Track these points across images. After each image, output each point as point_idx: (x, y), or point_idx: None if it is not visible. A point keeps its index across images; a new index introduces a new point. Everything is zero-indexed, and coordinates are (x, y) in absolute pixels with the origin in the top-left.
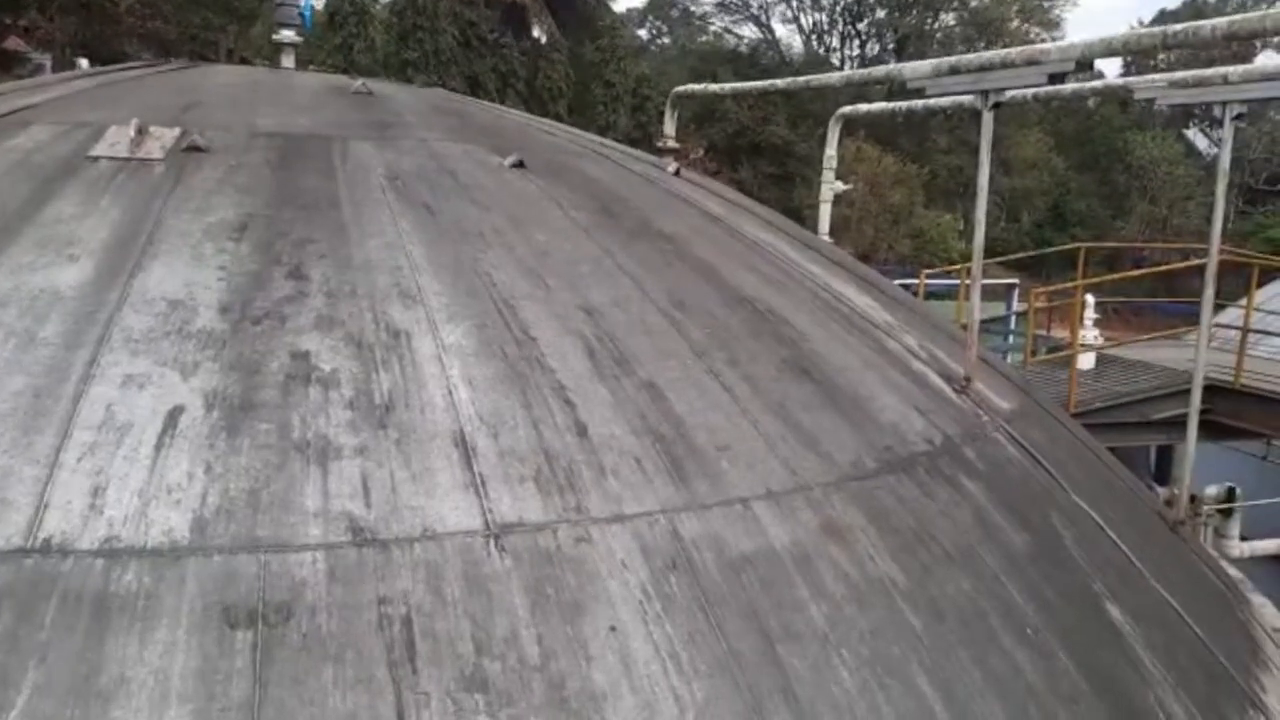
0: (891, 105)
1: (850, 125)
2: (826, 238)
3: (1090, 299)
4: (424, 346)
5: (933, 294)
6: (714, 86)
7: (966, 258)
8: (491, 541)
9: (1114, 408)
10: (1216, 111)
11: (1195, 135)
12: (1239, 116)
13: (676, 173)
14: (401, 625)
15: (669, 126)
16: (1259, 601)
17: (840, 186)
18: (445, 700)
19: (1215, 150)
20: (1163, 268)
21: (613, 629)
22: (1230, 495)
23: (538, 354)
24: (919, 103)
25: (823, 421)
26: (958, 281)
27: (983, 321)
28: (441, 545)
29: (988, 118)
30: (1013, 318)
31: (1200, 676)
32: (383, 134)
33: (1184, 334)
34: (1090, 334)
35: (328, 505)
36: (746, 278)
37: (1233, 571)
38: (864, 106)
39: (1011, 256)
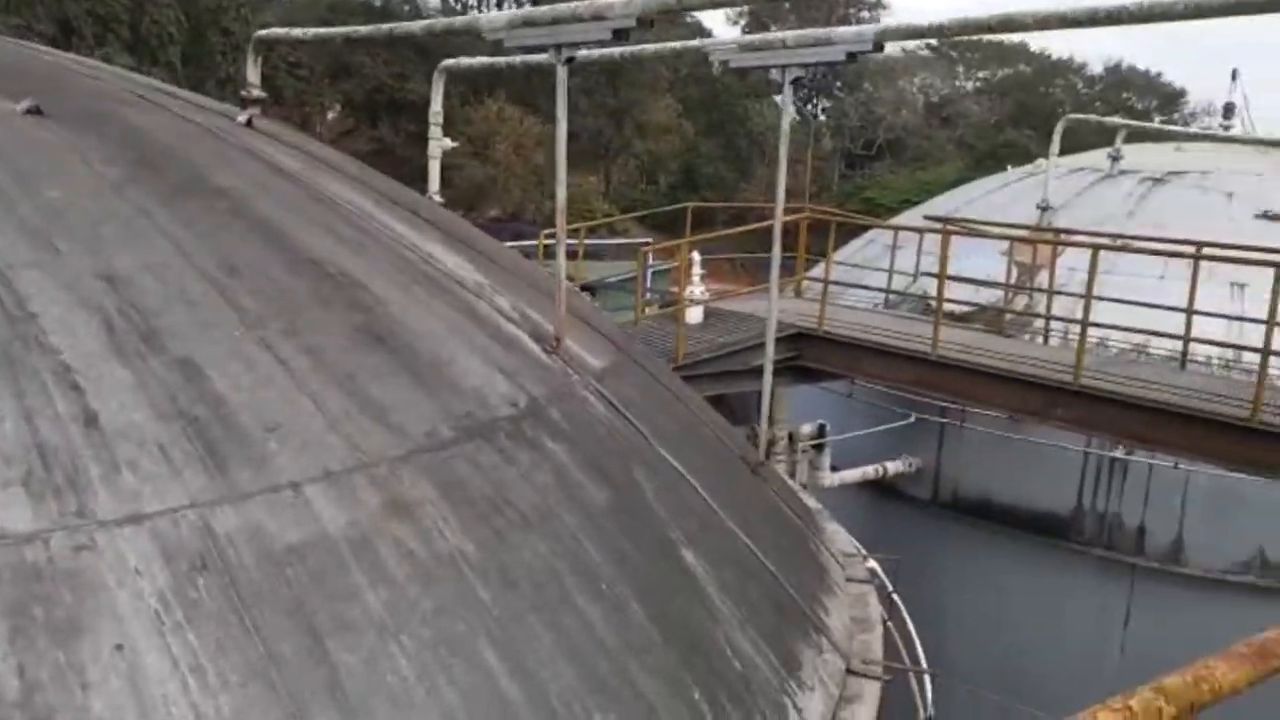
0: (492, 60)
1: (491, 87)
2: (436, 196)
3: (696, 256)
4: None
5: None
6: (297, 31)
7: (609, 217)
8: None
9: (720, 357)
10: (775, 74)
11: (816, 104)
12: (796, 80)
13: (248, 123)
14: None
15: (252, 74)
16: (832, 529)
17: (448, 143)
18: None
19: (824, 117)
20: (756, 225)
21: (119, 648)
22: (821, 432)
23: (37, 332)
24: (518, 59)
25: (396, 392)
26: (594, 241)
27: (621, 280)
28: None
29: (562, 73)
30: (650, 275)
31: (769, 609)
32: None
33: (781, 286)
34: (697, 289)
35: None
36: (318, 238)
37: (811, 503)
38: (466, 60)
39: (624, 216)
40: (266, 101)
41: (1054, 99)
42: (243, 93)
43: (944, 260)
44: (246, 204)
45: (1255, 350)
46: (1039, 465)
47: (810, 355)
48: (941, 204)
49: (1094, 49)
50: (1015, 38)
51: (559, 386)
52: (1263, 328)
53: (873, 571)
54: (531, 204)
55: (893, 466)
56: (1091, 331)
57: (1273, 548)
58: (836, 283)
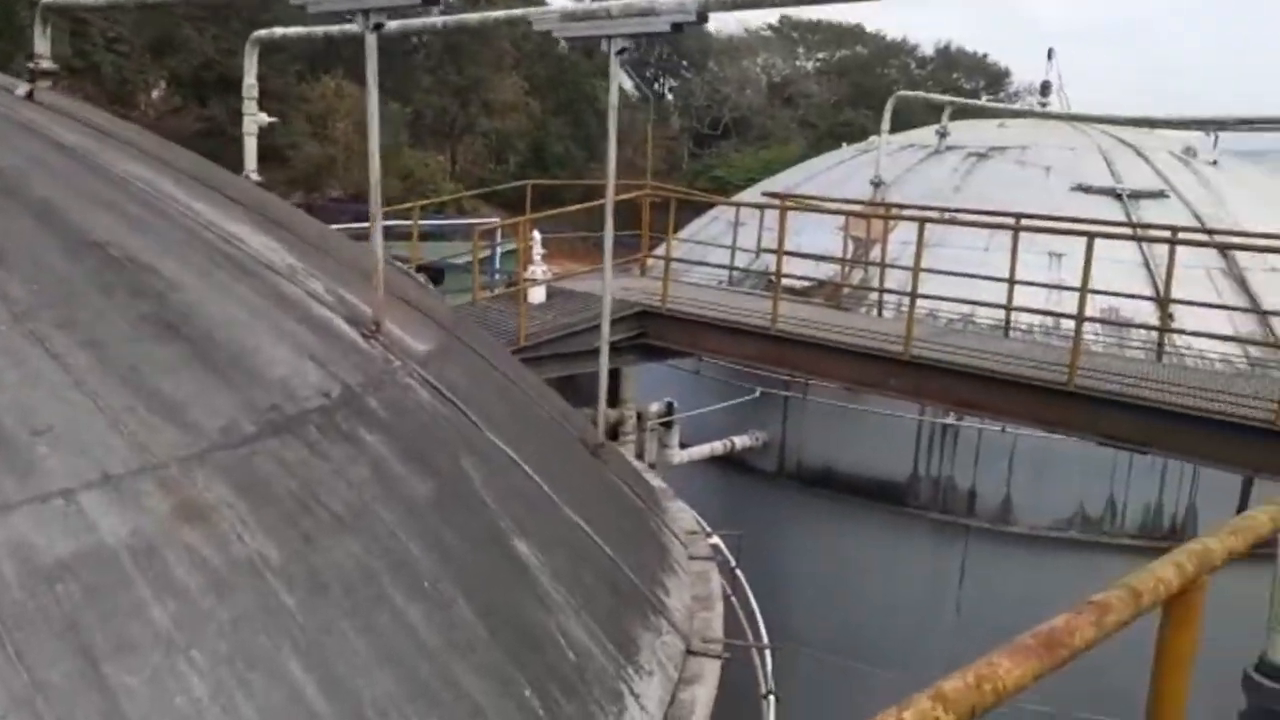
0: (308, 30)
1: (325, 62)
2: (253, 175)
3: (537, 235)
4: None
5: (426, 235)
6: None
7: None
8: None
9: (563, 338)
10: (603, 46)
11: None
12: (622, 51)
13: (29, 96)
14: None
15: (41, 44)
16: (676, 508)
17: (264, 119)
18: None
19: (671, 97)
20: (594, 204)
21: None
22: (669, 410)
23: None
24: (336, 29)
25: (189, 385)
26: (443, 221)
27: (469, 261)
28: None
29: (371, 41)
30: (498, 256)
31: (606, 594)
32: None
33: (623, 263)
34: (539, 269)
35: None
36: (101, 219)
37: (656, 482)
38: (280, 30)
39: (467, 194)
40: (61, 76)
41: (889, 79)
42: (30, 64)
43: (782, 236)
44: (19, 183)
45: (1070, 317)
46: (877, 434)
47: (654, 333)
48: (782, 181)
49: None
50: (851, 19)
51: (378, 373)
52: (1079, 295)
53: (716, 548)
54: None
55: (740, 441)
56: (922, 303)
57: (1091, 504)
58: (679, 260)
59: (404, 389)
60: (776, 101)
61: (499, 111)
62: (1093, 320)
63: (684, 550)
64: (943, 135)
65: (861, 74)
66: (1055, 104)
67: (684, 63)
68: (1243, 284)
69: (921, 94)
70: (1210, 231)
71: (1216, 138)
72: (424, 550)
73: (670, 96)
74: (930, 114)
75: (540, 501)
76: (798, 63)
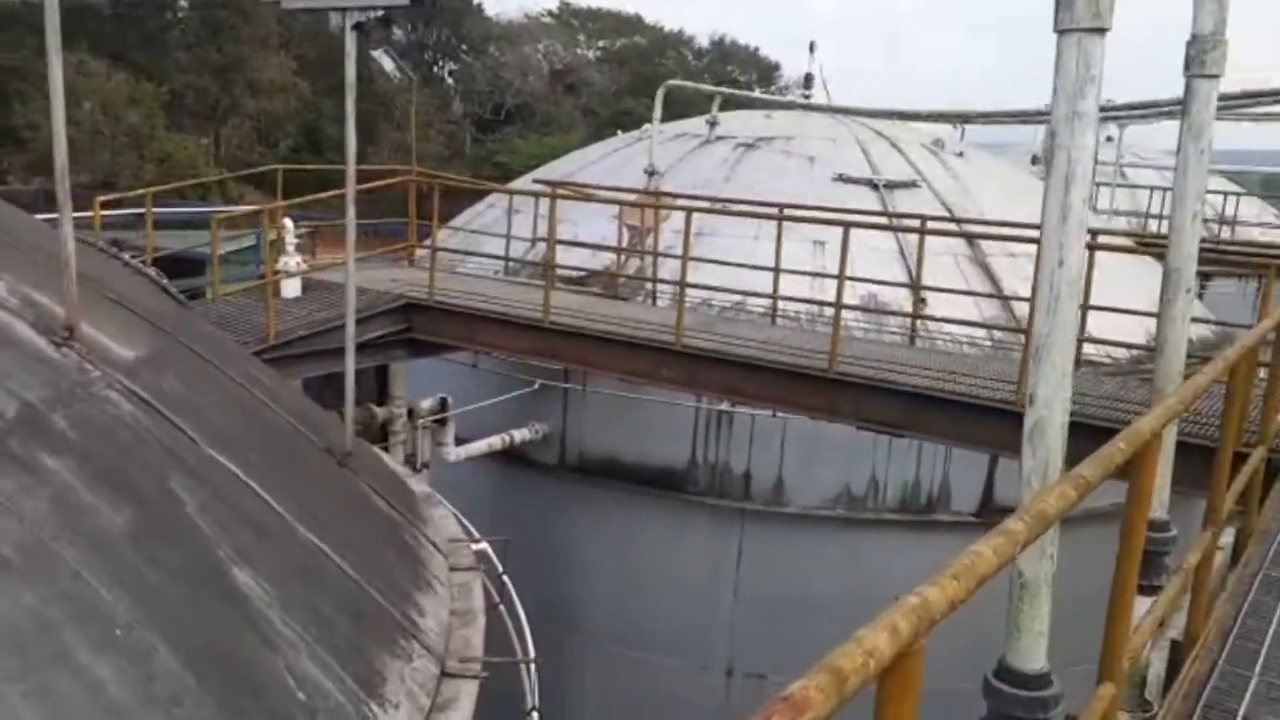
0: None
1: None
2: None
3: (289, 223)
4: None
5: (167, 223)
6: None
7: (220, 183)
8: None
9: (319, 334)
10: (335, 20)
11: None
12: (358, 25)
13: None
14: None
15: None
16: (440, 514)
17: None
18: None
19: (451, 81)
20: (340, 191)
21: None
22: (443, 405)
23: None
24: None
25: None
26: (166, 210)
27: (235, 252)
28: None
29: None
30: (262, 246)
31: (346, 622)
32: None
33: (383, 253)
34: (293, 260)
35: None
36: None
37: (420, 487)
38: None
39: (225, 177)
40: None
41: (667, 69)
42: None
43: (553, 224)
44: None
45: (830, 304)
46: (657, 423)
47: (421, 327)
48: (558, 168)
49: (702, 24)
50: (630, 8)
51: (69, 386)
52: (836, 282)
53: (484, 554)
54: (127, 169)
55: (519, 434)
56: (698, 292)
57: (855, 483)
58: (446, 250)
59: (101, 403)
60: (559, 88)
61: (266, 92)
62: (850, 308)
63: (445, 561)
64: (713, 125)
65: (641, 63)
66: (820, 96)
67: (464, 47)
68: (986, 270)
69: (691, 84)
70: (959, 220)
71: (963, 130)
72: (117, 593)
73: (451, 81)
74: (707, 104)
75: (271, 524)
76: (579, 50)
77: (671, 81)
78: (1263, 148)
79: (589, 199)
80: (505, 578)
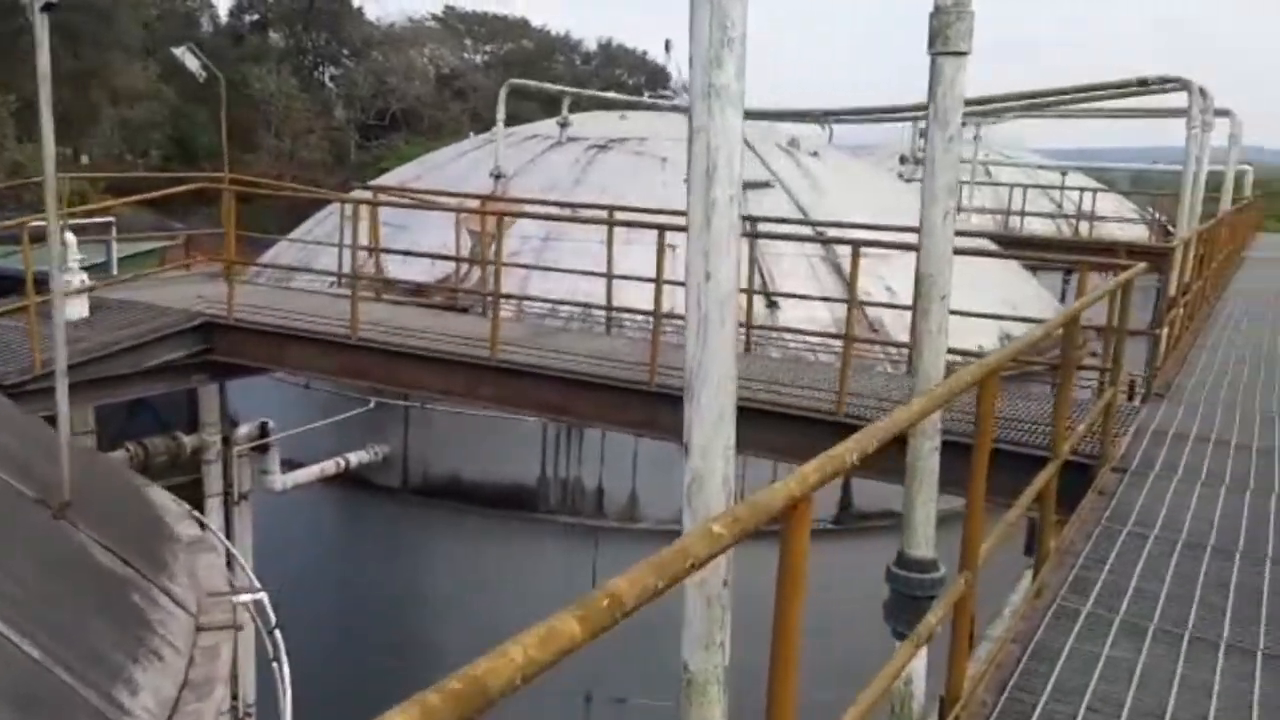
0: None
1: None
2: None
3: (71, 237)
4: None
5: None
6: None
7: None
8: None
9: (105, 358)
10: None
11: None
12: (47, 7)
13: None
14: None
15: None
16: (206, 564)
17: None
18: None
19: (333, 85)
20: (158, 194)
21: None
22: (264, 430)
23: None
24: None
25: None
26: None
27: (88, 267)
28: None
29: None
30: (114, 263)
31: (9, 715)
32: None
33: (175, 266)
34: (77, 277)
35: None
36: None
37: (189, 531)
38: None
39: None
40: None
41: (555, 74)
42: None
43: (375, 233)
44: None
45: (648, 313)
46: (504, 440)
47: (223, 348)
48: (405, 173)
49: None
50: (516, 13)
51: None
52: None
53: (259, 606)
54: None
55: (355, 458)
56: (539, 303)
57: None
58: (245, 262)
59: None
60: (446, 93)
61: (128, 99)
62: (674, 317)
63: (190, 622)
64: (564, 126)
65: (528, 68)
66: (679, 97)
67: (345, 51)
68: (839, 271)
69: (533, 83)
70: (814, 224)
71: (831, 130)
72: None
73: (332, 85)
74: (590, 105)
75: None
76: (465, 55)
77: (514, 80)
78: (1125, 146)
79: (427, 206)
80: (278, 633)
